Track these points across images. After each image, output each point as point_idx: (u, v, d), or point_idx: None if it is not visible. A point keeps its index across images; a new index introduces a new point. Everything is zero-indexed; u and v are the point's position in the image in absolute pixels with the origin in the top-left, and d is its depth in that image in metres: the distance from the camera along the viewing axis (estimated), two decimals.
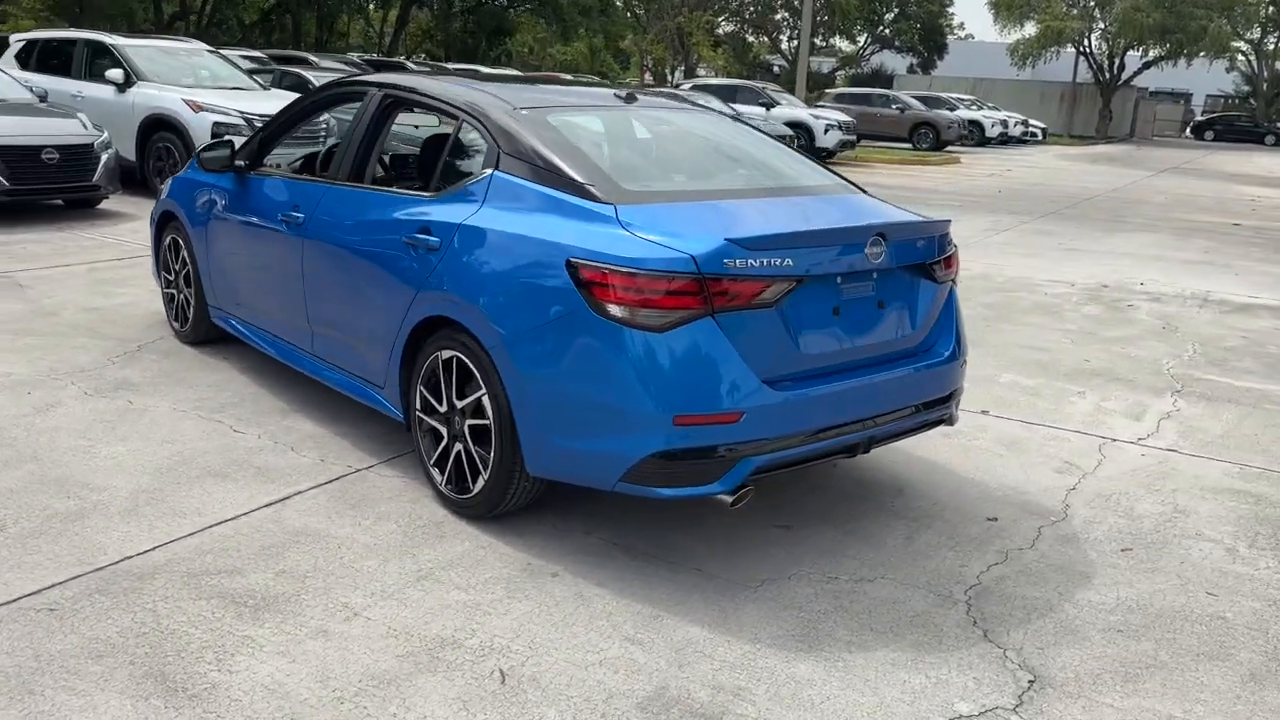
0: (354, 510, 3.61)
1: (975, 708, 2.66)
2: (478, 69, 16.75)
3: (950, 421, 3.81)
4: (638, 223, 3.12)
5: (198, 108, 10.73)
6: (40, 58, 12.22)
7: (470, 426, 3.45)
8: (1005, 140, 34.74)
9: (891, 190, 17.16)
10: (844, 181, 4.02)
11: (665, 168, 3.84)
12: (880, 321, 3.46)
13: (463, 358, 3.41)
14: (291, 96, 12.19)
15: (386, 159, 4.90)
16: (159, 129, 10.93)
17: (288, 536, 3.39)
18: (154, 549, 3.26)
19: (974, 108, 35.21)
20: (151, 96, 11.01)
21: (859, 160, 23.83)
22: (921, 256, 3.55)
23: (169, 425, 4.34)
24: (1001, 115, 35.52)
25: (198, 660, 2.67)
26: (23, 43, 12.55)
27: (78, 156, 9.32)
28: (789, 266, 3.08)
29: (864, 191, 3.95)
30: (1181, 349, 6.64)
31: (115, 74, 11.22)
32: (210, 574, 3.12)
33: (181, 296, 5.46)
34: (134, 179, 10.94)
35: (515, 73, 20.41)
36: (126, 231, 9.06)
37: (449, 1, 36.60)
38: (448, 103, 3.88)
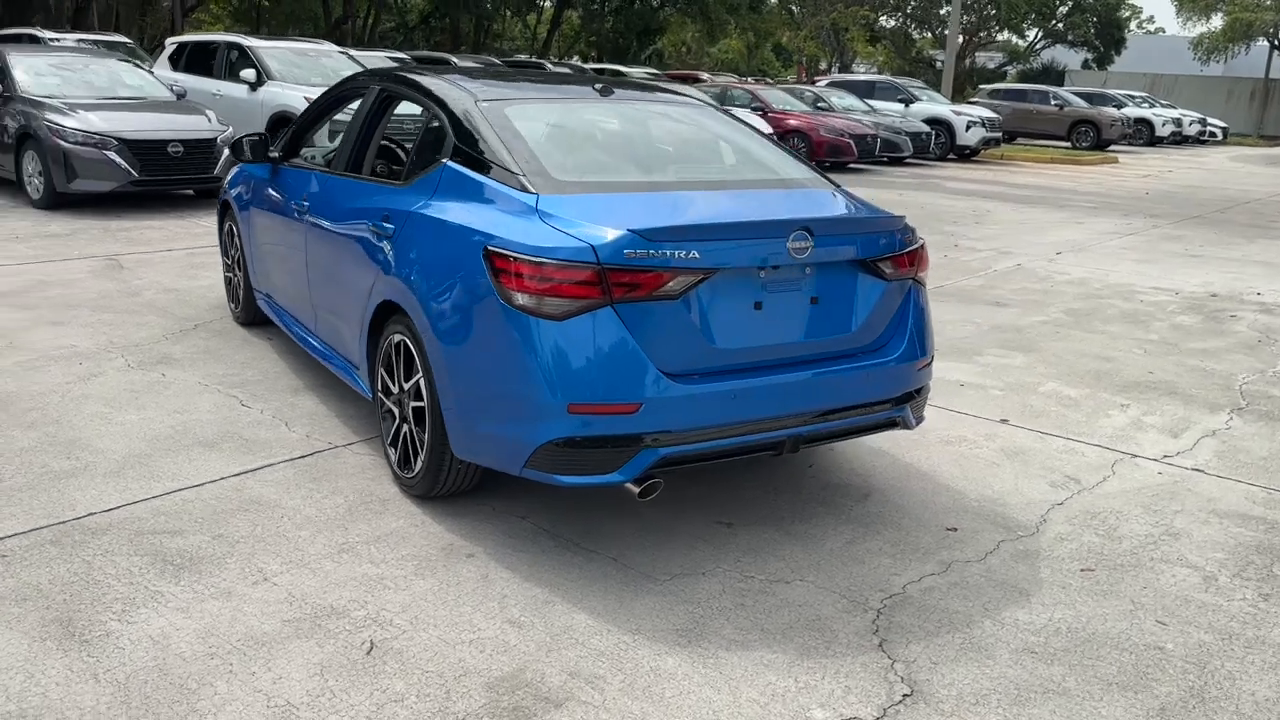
0: (313, 484, 3.80)
1: (831, 715, 2.58)
2: (583, 68, 16.99)
3: (906, 425, 3.67)
4: (555, 213, 3.15)
5: None
6: (189, 59, 13.21)
7: (413, 408, 3.57)
8: (1179, 140, 32.57)
9: (1023, 189, 16.43)
10: (817, 177, 3.93)
11: (616, 159, 3.84)
12: (814, 318, 3.37)
13: (407, 341, 3.54)
14: None
15: (380, 150, 5.09)
16: (284, 125, 11.62)
17: (240, 504, 3.60)
18: (117, 508, 3.52)
19: (1145, 105, 33.16)
20: (278, 94, 11.73)
21: (1004, 158, 22.87)
22: (865, 253, 3.43)
23: (186, 398, 4.66)
24: (1175, 113, 33.31)
25: (105, 610, 2.89)
26: (175, 45, 13.59)
27: (201, 150, 10.03)
28: (695, 259, 3.05)
29: (837, 188, 3.85)
30: (1270, 364, 6.12)
31: (248, 74, 12.01)
32: (154, 533, 3.36)
33: (236, 279, 5.83)
34: None
35: (549, 67, 20.52)
36: None
37: (598, 2, 37.21)
38: (426, 96, 4.01)
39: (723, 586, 3.20)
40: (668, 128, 4.20)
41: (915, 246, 3.61)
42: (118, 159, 9.44)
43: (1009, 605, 3.17)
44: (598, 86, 4.29)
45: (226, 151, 9.93)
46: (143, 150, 9.61)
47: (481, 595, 3.07)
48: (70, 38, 16.77)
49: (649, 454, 3.07)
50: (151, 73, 11.55)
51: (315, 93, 11.54)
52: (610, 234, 3.00)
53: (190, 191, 10.62)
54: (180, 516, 3.48)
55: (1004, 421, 4.87)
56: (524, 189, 3.29)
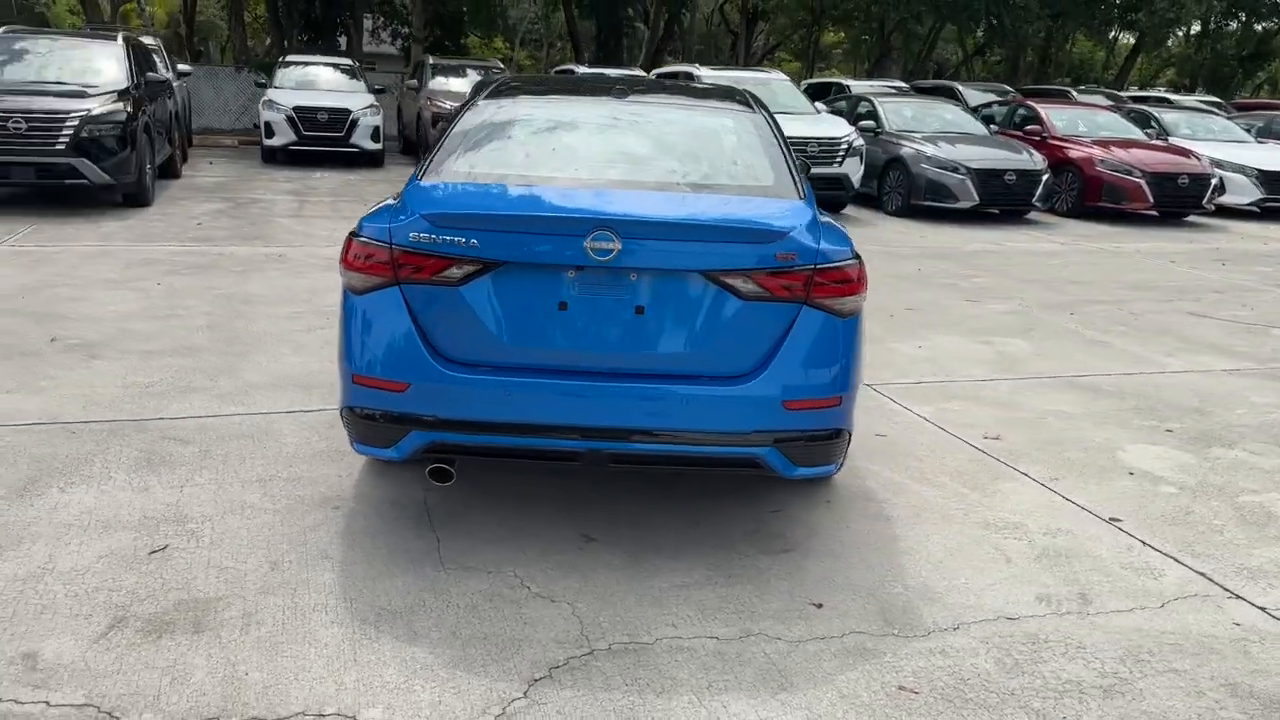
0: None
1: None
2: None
3: (778, 472, 3.16)
4: (407, 200, 3.29)
5: None
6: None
7: None
8: None
9: None
10: (788, 188, 3.49)
11: (544, 156, 3.70)
12: (638, 329, 3.09)
13: None
14: (834, 119, 12.87)
15: None
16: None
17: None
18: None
19: None
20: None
21: None
22: (712, 265, 3.05)
23: None
24: None
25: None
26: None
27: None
28: (473, 247, 3.02)
29: (808, 204, 3.39)
30: None
31: (866, 124, 13.52)
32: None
33: None
34: None
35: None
36: None
37: (1203, 30, 33.00)
38: None
39: (412, 581, 3.12)
40: (657, 131, 3.95)
41: (802, 267, 3.10)
42: (968, 184, 12.14)
43: (737, 690, 2.65)
44: (617, 88, 4.20)
45: None
46: (985, 178, 12.22)
47: (243, 532, 3.39)
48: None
49: (419, 436, 3.12)
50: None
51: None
52: (406, 218, 3.11)
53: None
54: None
55: (1113, 521, 3.82)
56: (416, 176, 3.48)
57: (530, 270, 3.06)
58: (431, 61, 17.76)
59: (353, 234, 3.21)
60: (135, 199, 9.97)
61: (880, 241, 10.50)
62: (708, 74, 13.88)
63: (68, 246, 7.97)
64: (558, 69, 22.27)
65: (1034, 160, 12.75)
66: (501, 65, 19.55)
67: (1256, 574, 3.42)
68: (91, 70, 10.06)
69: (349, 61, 17.43)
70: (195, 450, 4.03)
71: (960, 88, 18.95)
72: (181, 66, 15.09)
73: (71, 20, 37.98)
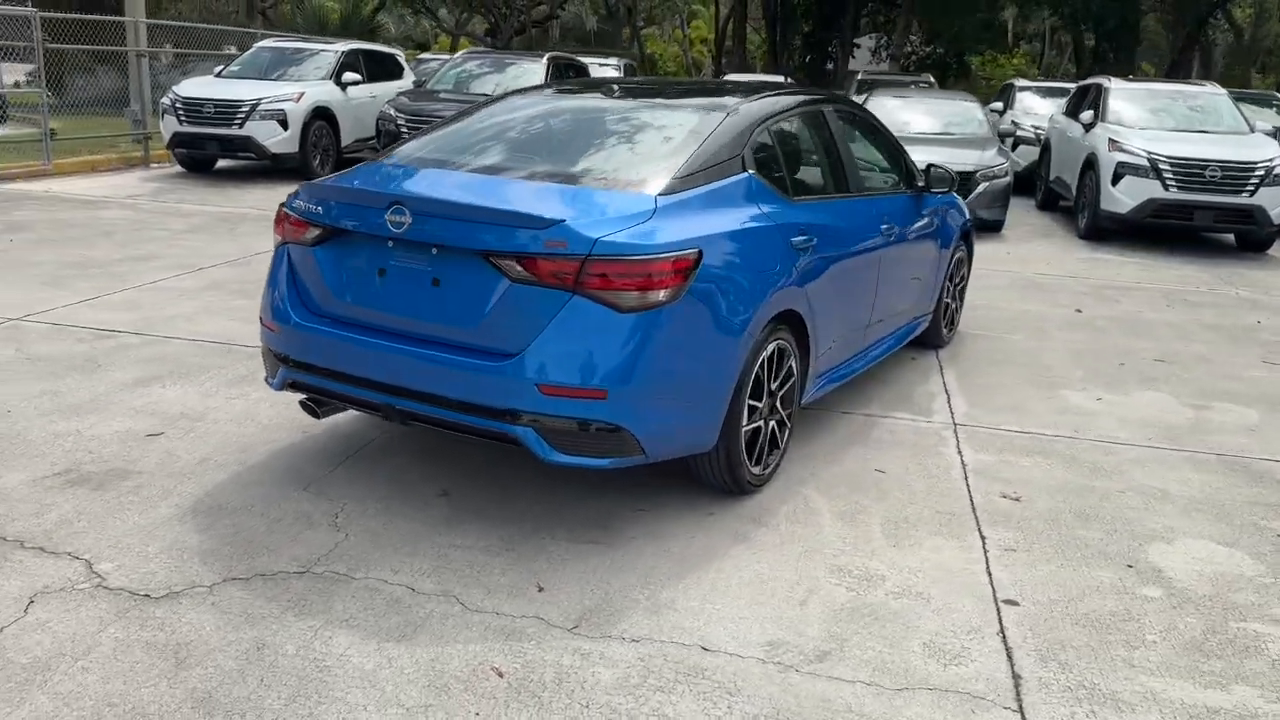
0: None
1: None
2: None
3: (533, 453, 3.21)
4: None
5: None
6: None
7: None
8: None
9: None
10: (654, 184, 3.48)
11: (467, 143, 3.95)
12: (433, 300, 3.33)
13: None
14: (1261, 140, 10.94)
15: None
16: None
17: None
18: None
19: None
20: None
21: None
22: (488, 246, 3.20)
23: None
24: None
25: None
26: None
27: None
28: (318, 214, 3.50)
29: (657, 197, 3.40)
30: None
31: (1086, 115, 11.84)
32: None
33: None
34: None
35: None
36: None
37: None
38: None
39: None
40: (587, 126, 4.06)
41: (571, 256, 3.11)
42: None
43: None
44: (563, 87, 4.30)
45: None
46: None
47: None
48: None
49: (285, 373, 3.68)
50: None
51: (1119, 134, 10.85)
52: (300, 189, 3.69)
53: None
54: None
55: None
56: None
57: (360, 238, 3.46)
58: (1020, 85, 16.77)
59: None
60: None
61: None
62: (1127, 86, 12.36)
63: None
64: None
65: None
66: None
67: None
68: None
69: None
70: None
71: None
72: None
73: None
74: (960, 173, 10.38)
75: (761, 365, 3.70)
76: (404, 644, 2.79)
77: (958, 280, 6.20)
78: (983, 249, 9.95)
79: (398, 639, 2.81)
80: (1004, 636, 2.98)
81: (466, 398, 3.25)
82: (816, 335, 4.09)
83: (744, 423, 3.64)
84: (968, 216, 6.22)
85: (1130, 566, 3.46)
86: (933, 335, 6.00)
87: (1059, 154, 12.60)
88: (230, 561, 3.19)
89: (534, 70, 12.61)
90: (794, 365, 3.97)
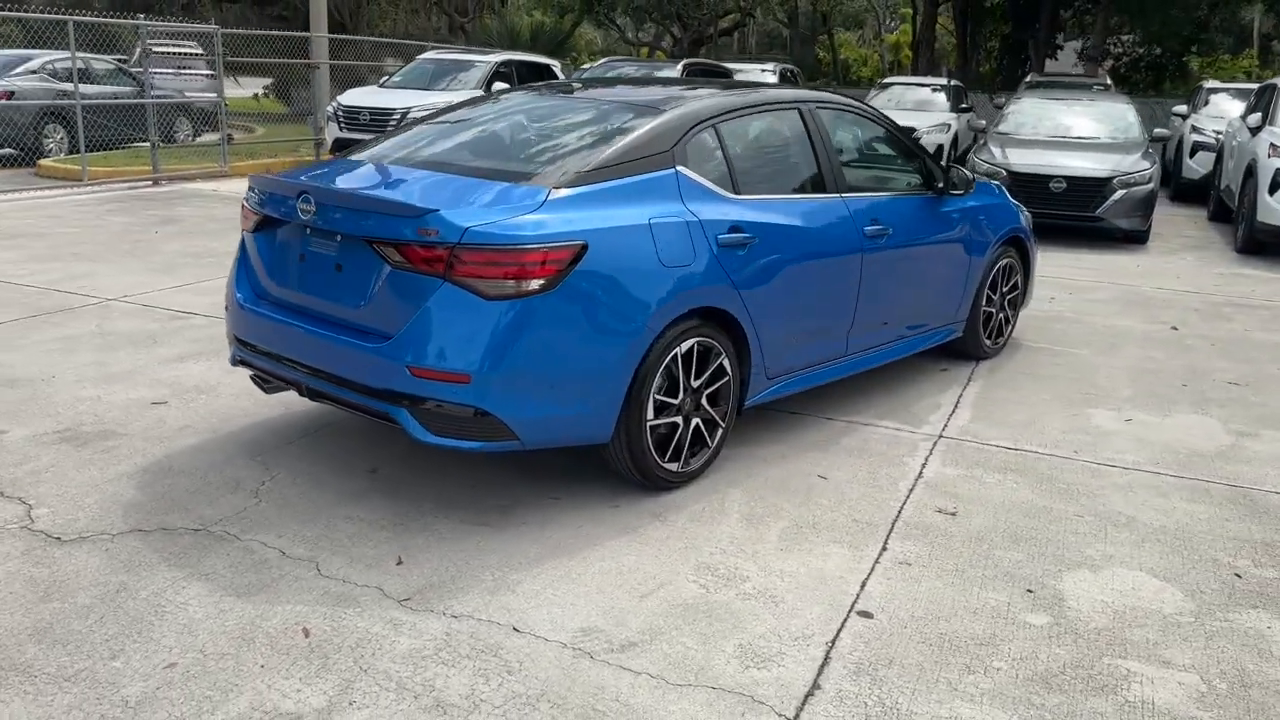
0: None
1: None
2: None
3: (407, 433, 3.35)
4: None
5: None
6: None
7: None
8: None
9: None
10: (541, 175, 3.57)
11: (449, 139, 4.10)
12: (335, 283, 3.52)
13: None
14: None
15: None
16: None
17: None
18: None
19: None
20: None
21: None
22: (370, 233, 3.37)
23: None
24: None
25: None
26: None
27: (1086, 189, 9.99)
28: (257, 203, 3.79)
29: (539, 186, 3.49)
30: None
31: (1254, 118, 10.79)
32: None
33: None
34: None
35: None
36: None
37: None
38: None
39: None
40: (536, 127, 4.14)
41: (442, 244, 3.23)
42: None
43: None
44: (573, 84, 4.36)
45: None
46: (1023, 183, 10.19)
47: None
48: None
49: (234, 351, 4.00)
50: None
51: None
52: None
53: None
54: None
55: None
56: None
57: (285, 225, 3.73)
58: (1211, 86, 15.47)
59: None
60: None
61: None
62: None
63: None
64: None
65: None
66: None
67: None
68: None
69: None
70: None
71: None
72: None
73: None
74: (1093, 179, 9.77)
75: (675, 362, 3.69)
76: (242, 599, 3.00)
77: (1005, 289, 5.85)
78: (1110, 260, 9.30)
79: (240, 595, 3.02)
80: (831, 646, 2.86)
81: (355, 377, 3.44)
82: (760, 336, 4.02)
83: (648, 418, 3.64)
84: (1020, 222, 5.86)
85: (1030, 591, 3.22)
86: (970, 346, 5.70)
87: (1229, 161, 11.53)
88: (146, 515, 3.51)
89: (671, 76, 12.76)
90: (727, 365, 3.92)
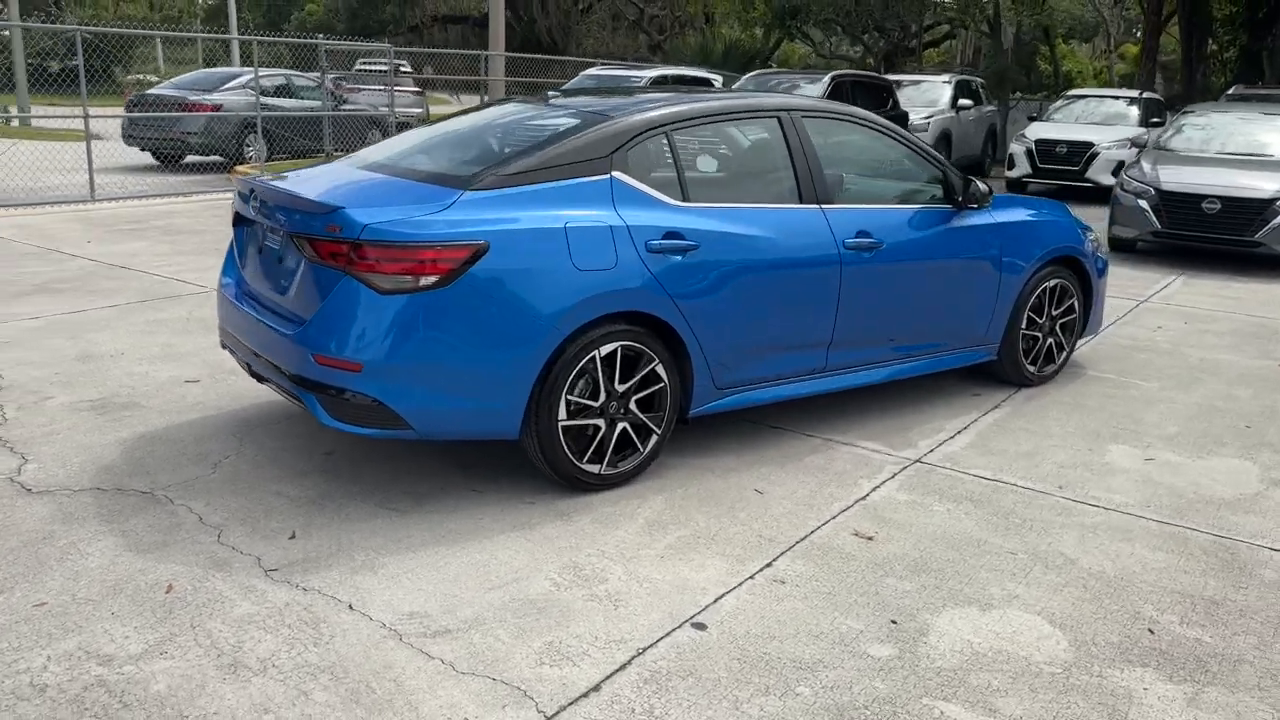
0: None
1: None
2: None
3: (314, 415, 3.57)
4: None
5: None
6: None
7: None
8: None
9: None
10: (465, 179, 3.71)
11: (420, 146, 4.28)
12: (275, 274, 3.81)
13: None
14: None
15: None
16: None
17: None
18: None
19: None
20: None
21: None
22: (289, 228, 3.63)
23: None
24: None
25: None
26: None
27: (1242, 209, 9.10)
28: (237, 200, 4.15)
29: (468, 190, 3.63)
30: None
31: None
32: None
33: None
34: None
35: None
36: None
37: None
38: None
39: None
40: (497, 133, 4.24)
41: (344, 239, 3.43)
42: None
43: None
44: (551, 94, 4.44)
45: None
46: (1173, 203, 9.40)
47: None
48: None
49: (220, 336, 4.39)
50: None
51: None
52: None
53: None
54: None
55: None
56: None
57: (252, 223, 4.06)
58: None
59: None
60: None
61: None
62: None
63: None
64: None
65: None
66: None
67: None
68: None
69: None
70: None
71: None
72: None
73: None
74: (1253, 200, 8.89)
75: (595, 364, 3.73)
76: (137, 555, 3.31)
77: (1055, 312, 5.45)
78: (1260, 289, 8.45)
79: (137, 551, 3.34)
80: (641, 654, 2.83)
81: (279, 362, 3.71)
82: (703, 345, 4.00)
83: (560, 418, 3.71)
84: (1075, 241, 5.45)
85: (894, 622, 3.05)
86: (1009, 371, 5.37)
87: None
88: (111, 477, 3.92)
89: (811, 89, 12.61)
90: (661, 371, 3.92)
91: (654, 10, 33.15)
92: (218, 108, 14.47)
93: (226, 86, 15.07)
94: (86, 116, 11.37)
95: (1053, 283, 5.37)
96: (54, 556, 3.28)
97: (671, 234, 3.88)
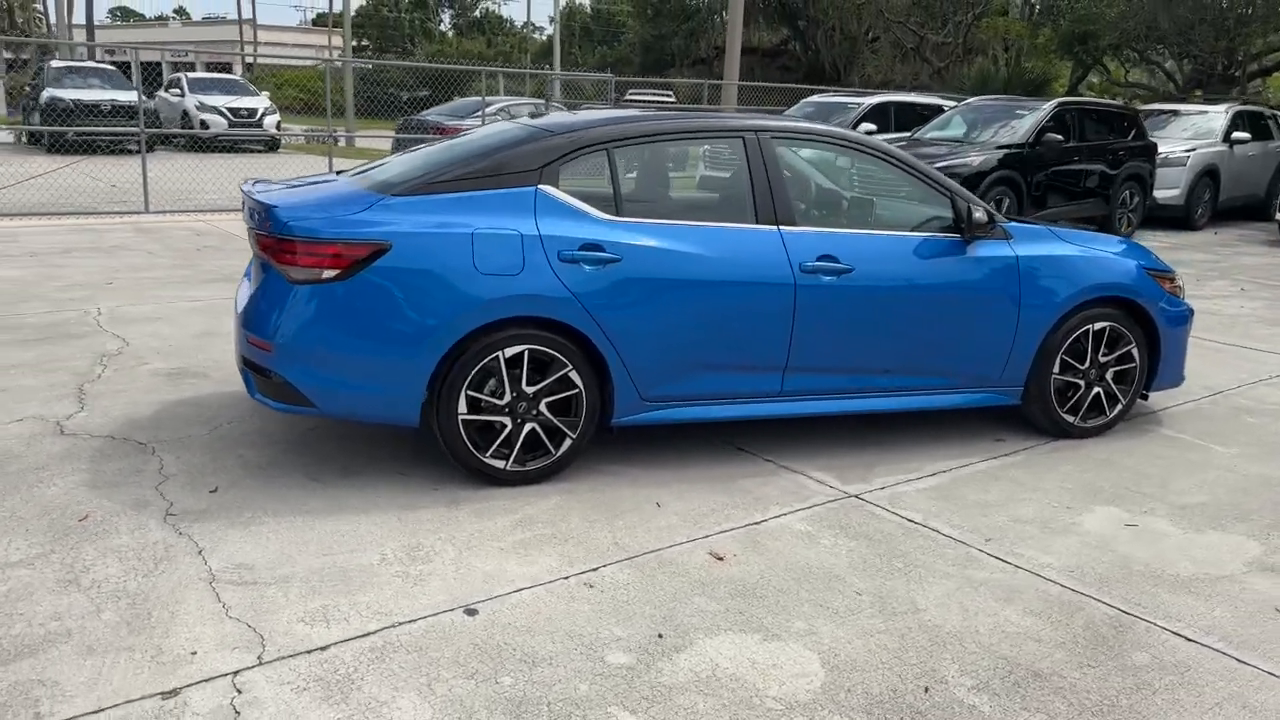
0: None
1: None
2: None
3: (250, 393, 4.05)
4: None
5: None
6: None
7: None
8: None
9: None
10: (389, 185, 4.07)
11: (405, 159, 4.61)
12: (256, 268, 4.37)
13: None
14: None
15: None
16: None
17: None
18: None
19: None
20: None
21: None
22: (252, 227, 4.14)
23: None
24: None
25: None
26: None
27: None
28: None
29: (373, 193, 4.01)
30: None
31: None
32: None
33: None
34: None
35: None
36: None
37: None
38: None
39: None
40: (461, 146, 4.47)
41: (271, 235, 3.89)
42: None
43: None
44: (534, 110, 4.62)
45: None
46: None
47: None
48: None
49: None
50: None
51: None
52: None
53: None
54: None
55: None
56: None
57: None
58: None
59: None
60: None
61: None
62: None
63: None
64: None
65: None
66: None
67: None
68: None
69: None
70: None
71: None
72: None
73: None
74: None
75: (499, 364, 3.96)
76: (86, 491, 3.93)
77: (1103, 359, 4.95)
78: None
79: (89, 488, 3.96)
80: (392, 627, 3.03)
81: (239, 343, 4.24)
82: (624, 357, 4.10)
83: (460, 411, 3.96)
84: (1126, 279, 4.91)
85: (661, 636, 3.04)
86: (1039, 419, 4.96)
87: None
88: (131, 429, 4.63)
89: (1029, 118, 11.86)
90: (576, 378, 4.07)
91: (939, 38, 32.11)
92: (459, 131, 15.93)
93: (475, 114, 16.54)
94: (351, 136, 12.96)
95: (1099, 325, 4.88)
96: (27, 484, 3.97)
97: (590, 246, 4.02)
